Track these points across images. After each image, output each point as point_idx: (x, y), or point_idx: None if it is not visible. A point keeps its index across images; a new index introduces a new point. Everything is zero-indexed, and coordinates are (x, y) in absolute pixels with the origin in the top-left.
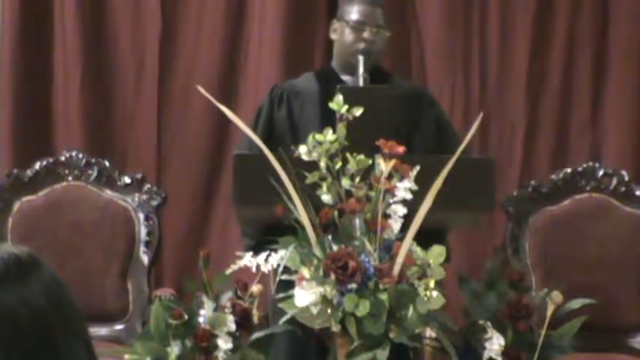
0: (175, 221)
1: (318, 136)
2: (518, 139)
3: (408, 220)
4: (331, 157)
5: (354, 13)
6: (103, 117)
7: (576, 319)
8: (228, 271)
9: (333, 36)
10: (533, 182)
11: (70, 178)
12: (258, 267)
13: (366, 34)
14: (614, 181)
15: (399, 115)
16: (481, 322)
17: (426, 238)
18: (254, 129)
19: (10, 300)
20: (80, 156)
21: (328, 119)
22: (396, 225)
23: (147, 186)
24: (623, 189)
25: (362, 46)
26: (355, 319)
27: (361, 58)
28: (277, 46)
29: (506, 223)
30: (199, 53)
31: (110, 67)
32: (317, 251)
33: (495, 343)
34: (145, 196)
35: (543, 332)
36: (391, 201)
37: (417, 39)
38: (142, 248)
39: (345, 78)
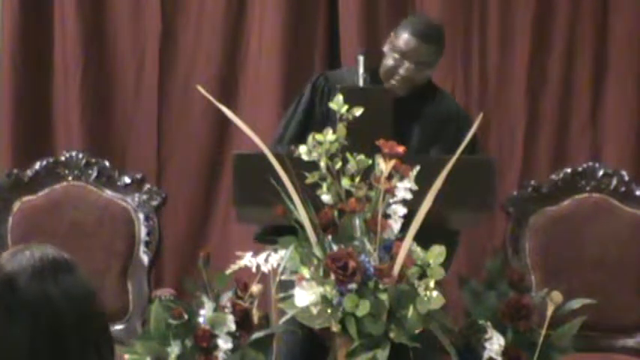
0: (175, 221)
1: (318, 136)
2: (518, 139)
3: (408, 220)
4: (331, 157)
5: (400, 41)
6: (103, 117)
7: (576, 319)
8: (228, 271)
9: (385, 48)
10: (533, 182)
11: (70, 178)
12: (258, 267)
13: (402, 70)
14: (614, 181)
15: (425, 131)
16: (481, 322)
17: (438, 237)
18: (292, 115)
19: (37, 293)
20: (80, 156)
21: None
22: (396, 225)
23: (147, 186)
24: (623, 189)
25: (397, 78)
26: (355, 319)
27: (361, 58)
28: (277, 46)
29: (506, 223)
30: (199, 53)
31: (110, 66)
32: (317, 251)
33: (495, 343)
34: (145, 196)
35: (543, 332)
36: (391, 201)
37: None
38: (142, 248)
39: (387, 85)
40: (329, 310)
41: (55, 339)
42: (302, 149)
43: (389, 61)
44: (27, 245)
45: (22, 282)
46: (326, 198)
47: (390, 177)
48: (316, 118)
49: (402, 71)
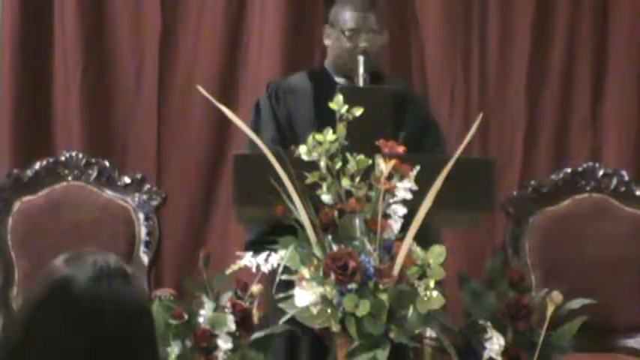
0: (175, 221)
1: (318, 136)
2: (518, 139)
3: (408, 220)
4: (331, 157)
5: (348, 21)
6: (103, 117)
7: (576, 319)
8: (228, 271)
9: (327, 42)
10: (533, 182)
11: (70, 178)
12: (258, 267)
13: (362, 42)
14: (614, 181)
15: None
16: (481, 322)
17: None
18: (256, 126)
19: (89, 295)
20: (80, 156)
21: (322, 120)
22: (396, 225)
23: (147, 186)
24: (623, 189)
25: (360, 52)
26: (355, 319)
27: (361, 58)
28: (277, 46)
29: (506, 223)
30: (199, 53)
31: (110, 67)
32: (317, 251)
33: (495, 343)
34: (145, 196)
35: (543, 332)
36: (391, 201)
37: (417, 39)
38: (142, 248)
39: (339, 80)
40: (329, 310)
41: (94, 341)
42: (302, 149)
43: (344, 44)
44: (91, 251)
45: (78, 285)
46: (326, 198)
47: (390, 177)
48: (282, 121)
49: (364, 44)
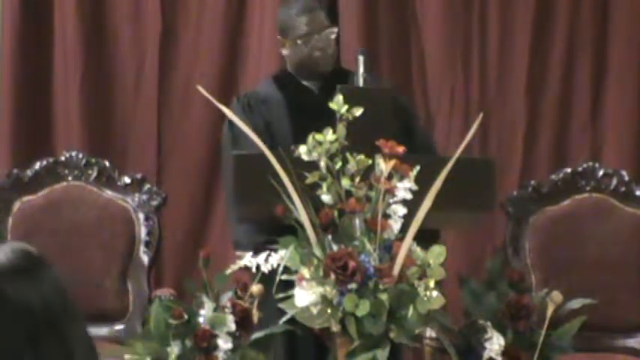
0: (175, 221)
1: (318, 136)
2: (518, 139)
3: (408, 220)
4: (331, 157)
5: (300, 27)
6: (103, 117)
7: (576, 319)
8: (228, 271)
9: (284, 51)
10: (533, 182)
11: (70, 178)
12: (258, 267)
13: (319, 43)
14: (614, 181)
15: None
16: (481, 322)
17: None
18: (233, 135)
19: (27, 292)
20: (80, 156)
21: (299, 126)
22: (396, 225)
23: (147, 186)
24: (623, 189)
25: (318, 54)
26: (355, 319)
27: (361, 58)
28: (277, 46)
29: (506, 223)
30: (199, 53)
31: (110, 67)
32: (317, 251)
33: (495, 343)
34: (145, 196)
35: (543, 332)
36: (391, 201)
37: (417, 39)
38: (142, 248)
39: (307, 83)
40: (329, 310)
41: (51, 331)
42: (302, 149)
43: (303, 50)
44: None
45: (5, 281)
46: (326, 198)
47: (390, 177)
48: (260, 129)
49: (320, 44)
